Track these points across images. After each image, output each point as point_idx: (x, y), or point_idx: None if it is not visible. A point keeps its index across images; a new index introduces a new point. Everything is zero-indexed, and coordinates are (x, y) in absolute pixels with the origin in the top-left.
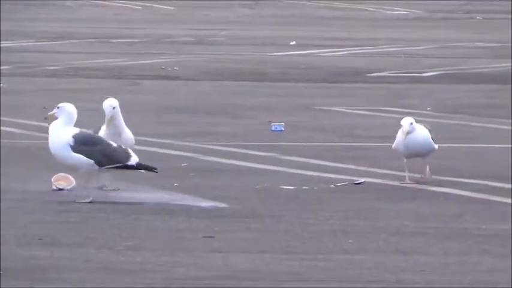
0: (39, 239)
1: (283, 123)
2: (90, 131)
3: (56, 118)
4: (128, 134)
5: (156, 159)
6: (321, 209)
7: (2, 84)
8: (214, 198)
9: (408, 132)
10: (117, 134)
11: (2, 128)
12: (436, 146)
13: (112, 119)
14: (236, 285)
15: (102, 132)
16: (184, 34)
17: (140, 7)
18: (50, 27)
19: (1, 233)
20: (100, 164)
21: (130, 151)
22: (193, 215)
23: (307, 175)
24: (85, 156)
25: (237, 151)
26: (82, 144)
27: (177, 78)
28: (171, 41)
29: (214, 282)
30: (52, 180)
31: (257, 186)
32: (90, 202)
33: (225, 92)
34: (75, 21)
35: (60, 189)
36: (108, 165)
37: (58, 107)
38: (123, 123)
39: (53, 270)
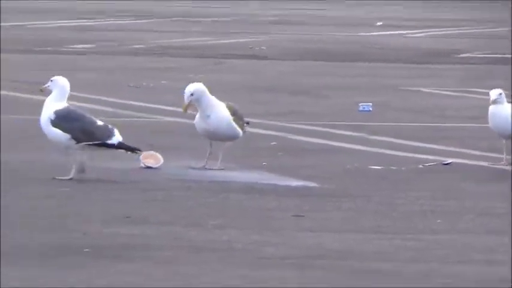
0: (127, 217)
1: (371, 104)
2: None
3: (49, 91)
4: (219, 114)
5: (245, 138)
6: (409, 189)
7: (86, 63)
8: (303, 178)
9: (495, 102)
10: (204, 117)
11: (87, 105)
12: None
13: (195, 104)
14: (326, 264)
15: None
16: (271, 14)
17: None
18: (133, 5)
19: (88, 210)
20: (77, 139)
21: (115, 130)
22: (283, 194)
23: (395, 155)
24: (62, 131)
25: (326, 130)
26: (62, 119)
27: (264, 57)
28: (258, 20)
29: (303, 262)
30: (140, 158)
31: (347, 166)
32: (70, 179)
33: (312, 72)
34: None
35: (148, 167)
36: (87, 141)
37: (51, 80)
38: (213, 104)
39: (139, 248)
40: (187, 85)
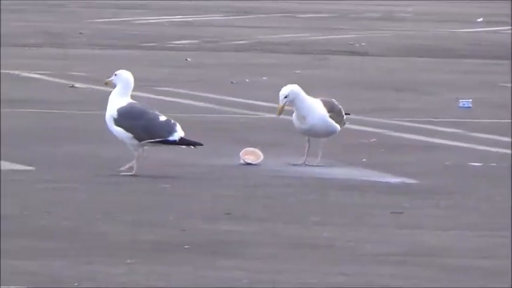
0: (227, 214)
1: (471, 100)
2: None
3: (113, 84)
4: (315, 114)
5: (344, 135)
6: (509, 185)
7: (188, 59)
8: (402, 174)
9: None
10: (300, 117)
11: (189, 101)
12: None
13: (291, 105)
14: (424, 261)
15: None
16: (371, 10)
17: None
18: (236, 2)
19: (188, 207)
20: (139, 138)
21: (177, 126)
22: (382, 191)
23: (495, 152)
24: (125, 130)
25: (425, 127)
26: (124, 118)
27: (365, 54)
28: (359, 16)
29: (402, 259)
30: (240, 154)
31: (446, 163)
32: (133, 175)
33: (412, 68)
34: None
35: (248, 164)
36: (148, 139)
37: (115, 74)
38: (308, 104)
39: (239, 245)
40: (286, 83)
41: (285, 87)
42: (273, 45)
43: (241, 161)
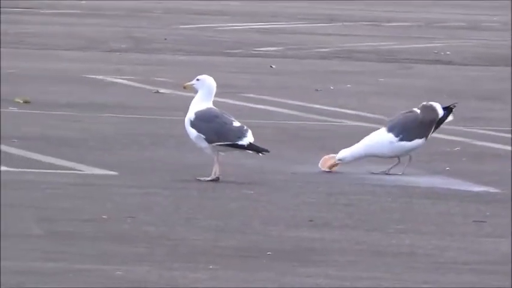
0: (310, 221)
1: None
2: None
3: (194, 89)
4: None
5: (428, 143)
6: None
7: (272, 66)
8: (486, 183)
9: None
10: None
11: (272, 108)
12: None
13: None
14: (507, 271)
15: None
16: (456, 19)
17: None
18: (322, 9)
19: (271, 213)
20: (209, 140)
21: (248, 132)
22: (465, 199)
23: None
24: (198, 131)
25: (509, 136)
26: (199, 120)
27: (449, 62)
28: (444, 25)
29: (484, 267)
30: (320, 162)
31: None
32: (213, 180)
33: (498, 77)
34: (348, 4)
35: (329, 171)
36: (218, 142)
37: (198, 79)
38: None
39: (321, 252)
40: (370, 90)
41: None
42: (357, 53)
43: (323, 168)
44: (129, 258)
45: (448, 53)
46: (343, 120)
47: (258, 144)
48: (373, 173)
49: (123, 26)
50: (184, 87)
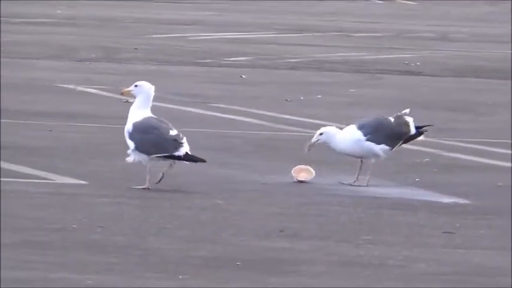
0: (280, 231)
1: None
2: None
3: (131, 95)
4: (346, 148)
5: (398, 154)
6: None
7: (243, 76)
8: (455, 194)
9: None
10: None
11: (243, 118)
12: None
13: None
14: (476, 282)
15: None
16: (426, 30)
17: (383, 1)
18: (293, 19)
19: (241, 223)
20: (147, 152)
21: (184, 142)
22: (434, 210)
23: None
24: (135, 143)
25: (479, 148)
26: (136, 131)
27: (419, 73)
28: (414, 36)
29: (454, 279)
30: (292, 172)
31: (499, 184)
32: (146, 188)
33: (467, 88)
34: (319, 15)
35: (301, 181)
36: (155, 154)
37: (136, 85)
38: (338, 141)
39: (290, 262)
40: (341, 101)
41: (323, 127)
42: (328, 64)
43: (294, 179)
44: (100, 268)
45: (418, 63)
46: (313, 131)
47: (196, 154)
48: (342, 183)
49: (94, 36)
50: (122, 94)
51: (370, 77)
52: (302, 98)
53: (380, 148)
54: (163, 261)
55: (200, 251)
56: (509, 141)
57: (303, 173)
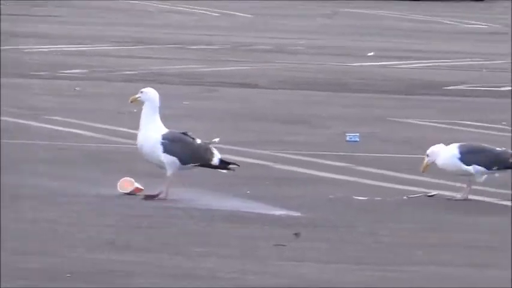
0: (110, 243)
1: (358, 134)
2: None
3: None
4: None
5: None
6: (393, 220)
7: (77, 88)
8: (287, 207)
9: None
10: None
11: (77, 131)
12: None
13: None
14: None
15: None
16: (262, 42)
17: (219, 14)
18: (130, 32)
19: (72, 236)
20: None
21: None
22: (266, 223)
23: (380, 186)
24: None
25: (312, 160)
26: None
27: (255, 86)
28: (250, 48)
29: None
30: (118, 184)
31: (330, 196)
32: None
33: (302, 101)
34: (155, 27)
35: (128, 194)
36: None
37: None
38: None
39: (122, 274)
40: (174, 113)
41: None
42: (163, 76)
43: (120, 191)
44: None
45: (254, 76)
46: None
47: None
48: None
49: None
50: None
51: (205, 90)
52: (135, 110)
53: (169, 158)
54: None
55: (30, 263)
56: (342, 154)
57: (127, 184)
